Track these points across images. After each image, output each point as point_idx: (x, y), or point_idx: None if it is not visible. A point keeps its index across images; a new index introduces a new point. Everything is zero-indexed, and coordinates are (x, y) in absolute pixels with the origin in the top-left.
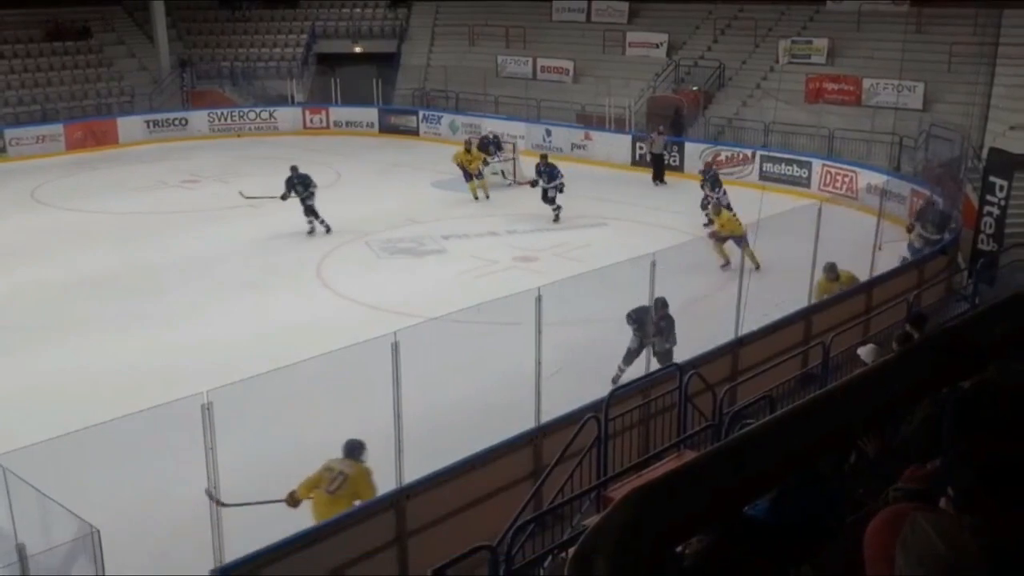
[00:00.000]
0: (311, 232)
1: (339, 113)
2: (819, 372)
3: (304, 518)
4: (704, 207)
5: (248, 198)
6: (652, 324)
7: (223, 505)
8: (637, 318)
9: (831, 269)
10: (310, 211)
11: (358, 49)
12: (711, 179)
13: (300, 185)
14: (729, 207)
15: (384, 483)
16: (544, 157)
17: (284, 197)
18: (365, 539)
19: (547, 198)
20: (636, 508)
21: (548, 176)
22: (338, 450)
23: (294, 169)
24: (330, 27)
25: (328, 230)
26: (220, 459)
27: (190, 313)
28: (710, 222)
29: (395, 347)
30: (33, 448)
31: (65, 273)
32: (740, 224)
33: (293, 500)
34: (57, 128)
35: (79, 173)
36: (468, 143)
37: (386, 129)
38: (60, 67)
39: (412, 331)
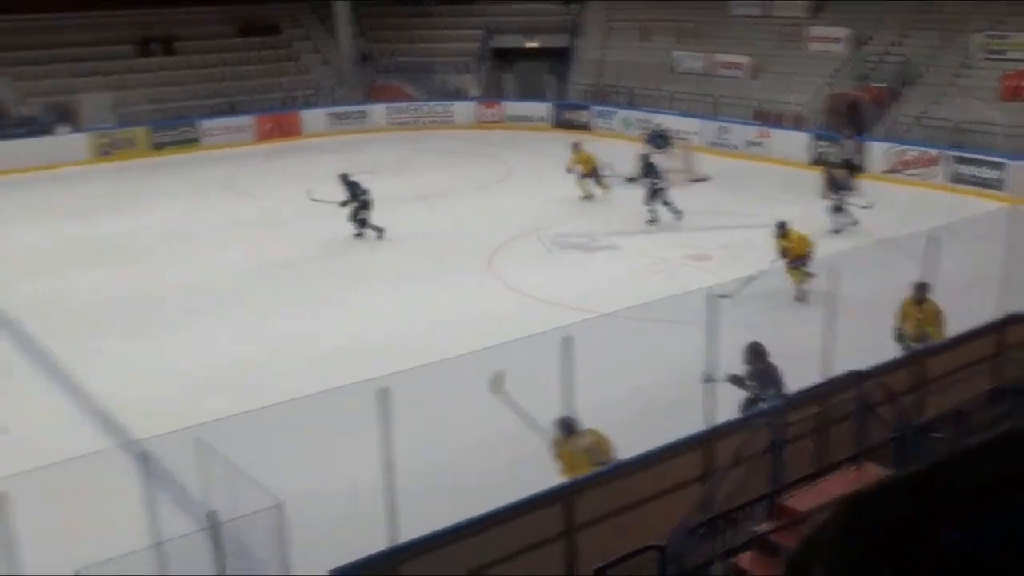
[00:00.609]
0: (360, 236)
1: (513, 108)
2: (1012, 387)
3: (478, 505)
4: (837, 211)
5: (314, 200)
6: (753, 373)
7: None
8: (751, 365)
9: (920, 289)
10: (357, 218)
11: (532, 44)
12: (830, 181)
13: (349, 193)
14: (838, 209)
15: (554, 478)
16: (646, 156)
17: (345, 203)
18: (532, 532)
19: (664, 200)
20: (852, 517)
21: (657, 173)
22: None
23: (344, 177)
24: (505, 23)
25: (359, 236)
26: (394, 443)
27: (361, 299)
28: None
29: (567, 342)
30: (221, 422)
31: (257, 257)
32: (806, 246)
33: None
34: (248, 120)
35: (266, 162)
36: (577, 146)
37: (559, 124)
38: (250, 62)
39: (583, 326)
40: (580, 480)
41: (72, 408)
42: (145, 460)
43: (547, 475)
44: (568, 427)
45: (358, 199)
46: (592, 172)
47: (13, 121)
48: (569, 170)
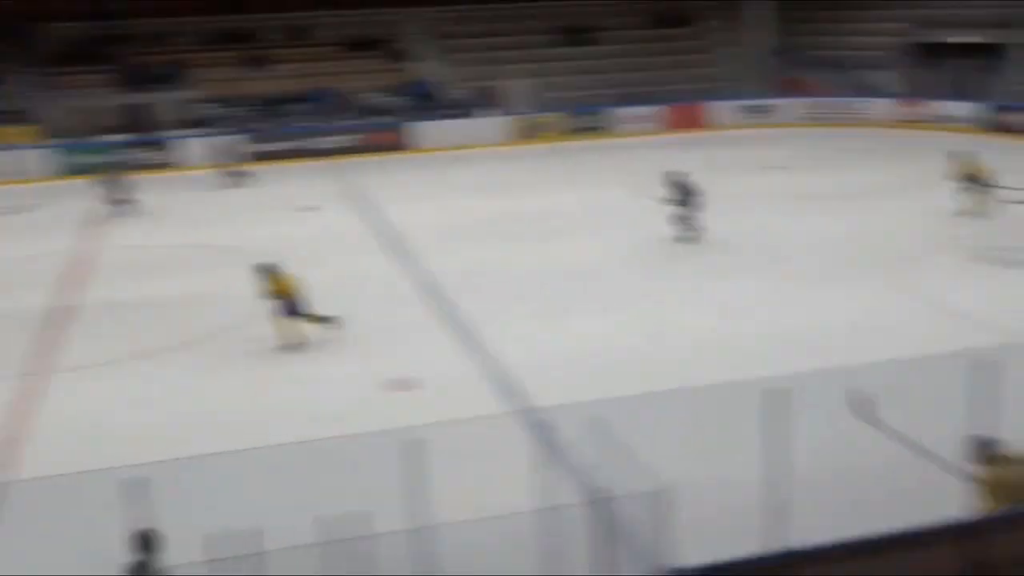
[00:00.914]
0: (687, 239)
1: (938, 107)
2: None
3: (856, 525)
4: None
5: (661, 199)
6: None
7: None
8: None
9: None
10: (679, 218)
11: (961, 40)
12: None
13: (679, 194)
14: None
15: (955, 507)
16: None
17: (674, 203)
18: (926, 567)
19: None
20: None
21: None
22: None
23: (672, 176)
24: (932, 16)
25: (685, 239)
26: (787, 447)
27: (752, 298)
28: None
29: (984, 366)
30: (611, 401)
31: (643, 244)
32: None
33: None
34: (657, 109)
35: (673, 152)
36: (959, 155)
37: (992, 127)
38: (661, 53)
39: (1007, 351)
40: (994, 518)
41: (478, 369)
42: (541, 428)
43: (936, 504)
44: (989, 449)
45: (690, 200)
46: (978, 184)
47: (444, 103)
48: (951, 180)
